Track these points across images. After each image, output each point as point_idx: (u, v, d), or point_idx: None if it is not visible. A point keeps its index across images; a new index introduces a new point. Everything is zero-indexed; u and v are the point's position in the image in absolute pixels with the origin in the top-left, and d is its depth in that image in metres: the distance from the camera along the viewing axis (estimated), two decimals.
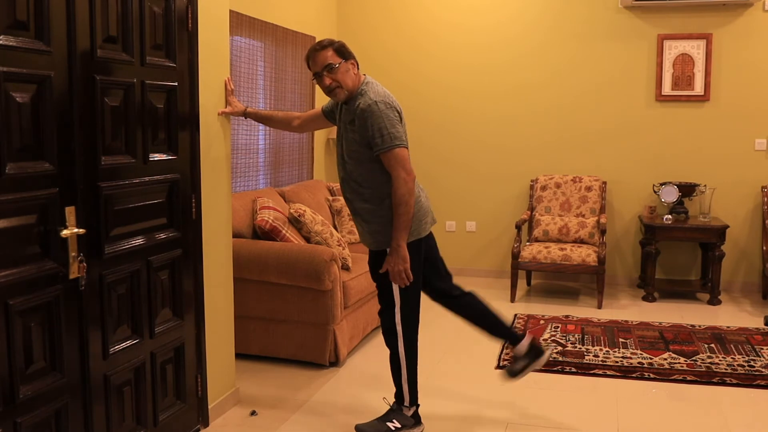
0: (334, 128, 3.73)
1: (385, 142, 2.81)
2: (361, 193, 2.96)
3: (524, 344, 3.20)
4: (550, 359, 4.01)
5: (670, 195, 5.43)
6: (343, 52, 2.93)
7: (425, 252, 3.08)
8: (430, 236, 3.15)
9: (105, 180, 2.47)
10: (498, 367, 3.93)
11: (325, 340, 3.84)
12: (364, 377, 3.78)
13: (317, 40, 3.06)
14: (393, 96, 2.95)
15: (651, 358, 4.04)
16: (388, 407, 3.15)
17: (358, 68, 2.97)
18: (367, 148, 2.87)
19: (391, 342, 3.06)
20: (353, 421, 3.18)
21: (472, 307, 3.22)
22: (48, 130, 2.20)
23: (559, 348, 4.22)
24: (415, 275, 3.02)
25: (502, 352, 4.13)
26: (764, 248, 5.42)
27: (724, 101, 5.59)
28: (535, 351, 3.20)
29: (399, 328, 3.02)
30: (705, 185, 5.51)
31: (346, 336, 3.98)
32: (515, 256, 5.29)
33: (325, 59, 2.91)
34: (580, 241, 5.49)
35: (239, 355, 3.84)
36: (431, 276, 3.16)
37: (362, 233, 3.05)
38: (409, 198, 2.83)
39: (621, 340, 4.38)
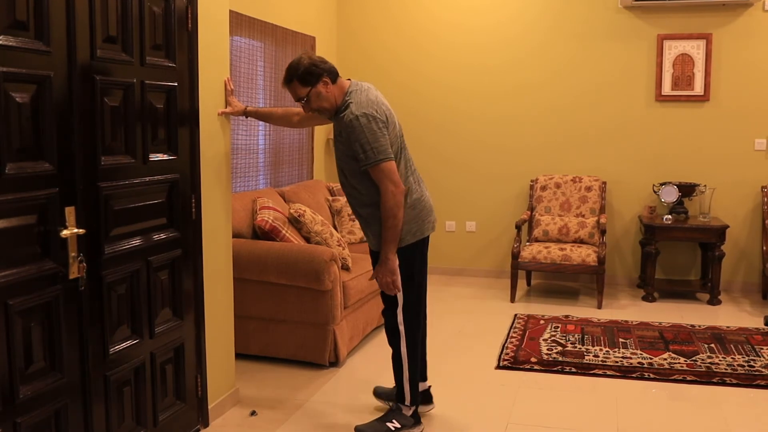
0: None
1: (369, 158, 2.79)
2: (361, 198, 2.96)
3: (412, 410, 3.09)
4: (551, 359, 4.02)
5: (670, 195, 5.43)
6: (308, 77, 2.83)
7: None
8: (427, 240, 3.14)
9: (105, 180, 2.47)
10: (498, 367, 3.94)
11: (324, 340, 3.84)
12: (364, 377, 3.78)
13: (299, 54, 2.95)
14: (381, 99, 2.91)
15: (651, 358, 4.04)
16: (388, 407, 3.15)
17: (334, 80, 2.88)
18: (354, 161, 2.87)
19: (393, 341, 3.06)
20: (353, 421, 3.18)
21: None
22: (48, 130, 2.20)
23: (560, 348, 4.22)
24: (418, 275, 3.02)
25: (502, 352, 4.13)
26: (764, 248, 5.42)
27: (724, 101, 5.59)
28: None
29: (402, 327, 3.02)
30: (705, 185, 5.51)
31: (346, 336, 3.98)
32: (515, 256, 5.29)
33: (295, 93, 2.89)
34: (580, 241, 5.49)
35: (239, 355, 3.84)
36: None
37: (366, 234, 3.06)
38: (397, 211, 2.82)
39: (621, 340, 4.38)
